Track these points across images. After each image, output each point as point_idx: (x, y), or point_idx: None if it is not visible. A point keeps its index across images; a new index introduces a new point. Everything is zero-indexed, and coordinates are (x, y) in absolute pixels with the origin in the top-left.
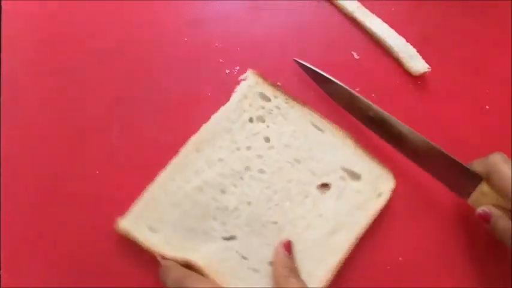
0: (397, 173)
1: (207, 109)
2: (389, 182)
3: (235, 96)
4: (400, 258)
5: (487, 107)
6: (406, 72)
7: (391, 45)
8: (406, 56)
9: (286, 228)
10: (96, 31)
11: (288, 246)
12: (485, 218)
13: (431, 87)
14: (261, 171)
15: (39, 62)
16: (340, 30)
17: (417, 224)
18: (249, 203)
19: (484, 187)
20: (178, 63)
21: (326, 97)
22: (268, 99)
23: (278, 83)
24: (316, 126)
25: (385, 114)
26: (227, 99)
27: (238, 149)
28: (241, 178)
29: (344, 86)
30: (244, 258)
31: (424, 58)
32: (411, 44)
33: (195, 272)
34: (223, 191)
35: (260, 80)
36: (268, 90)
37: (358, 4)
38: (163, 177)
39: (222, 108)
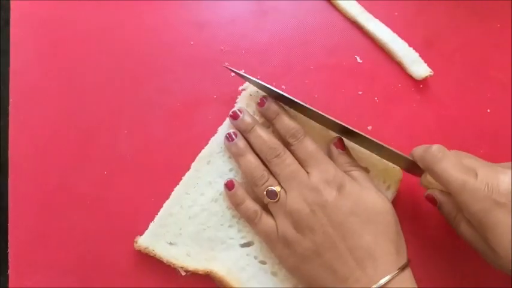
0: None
1: (213, 112)
2: (397, 174)
3: (237, 107)
4: None
5: (489, 110)
6: (409, 76)
7: (394, 50)
8: (408, 60)
9: None
10: (104, 34)
11: (339, 144)
12: (432, 201)
13: (434, 91)
14: None
15: (48, 64)
16: (344, 34)
17: (419, 223)
18: None
19: (428, 176)
20: (184, 67)
21: None
22: None
23: (282, 86)
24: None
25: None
26: (232, 102)
27: None
28: (252, 188)
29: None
30: (262, 263)
31: (426, 62)
32: (414, 48)
33: (217, 281)
34: None
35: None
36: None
37: (362, 8)
38: (178, 192)
39: (227, 119)
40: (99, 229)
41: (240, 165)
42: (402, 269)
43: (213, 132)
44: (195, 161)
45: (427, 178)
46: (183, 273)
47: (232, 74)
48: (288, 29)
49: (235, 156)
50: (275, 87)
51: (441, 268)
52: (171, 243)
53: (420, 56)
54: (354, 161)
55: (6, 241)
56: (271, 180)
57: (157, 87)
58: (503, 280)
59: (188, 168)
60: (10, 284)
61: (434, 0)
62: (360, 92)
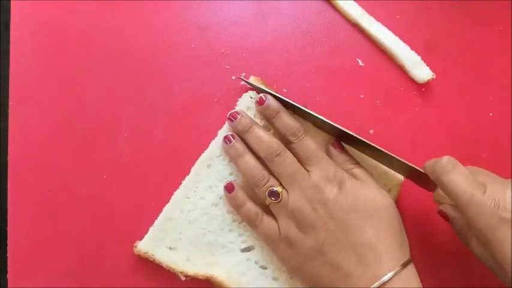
0: None
1: (214, 115)
2: (398, 177)
3: (238, 109)
4: None
5: (491, 114)
6: (411, 80)
7: (396, 53)
8: (410, 64)
9: None
10: (104, 36)
11: (337, 145)
12: (444, 217)
13: (436, 94)
14: None
15: (48, 66)
16: (345, 37)
17: (422, 222)
18: None
19: (440, 190)
20: (184, 69)
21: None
22: None
23: (284, 90)
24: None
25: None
26: (233, 105)
27: None
28: (253, 189)
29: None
30: (263, 268)
31: (428, 65)
32: (416, 52)
33: (217, 286)
34: None
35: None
36: None
37: (363, 11)
38: (178, 196)
39: (227, 123)
40: (98, 232)
41: (239, 167)
42: (405, 265)
43: (214, 135)
44: (195, 164)
45: (439, 193)
46: (183, 278)
47: (242, 83)
48: (289, 31)
49: (233, 158)
50: (276, 90)
51: (444, 269)
52: (170, 248)
53: (422, 59)
54: (354, 159)
55: (6, 244)
56: (272, 180)
57: (158, 90)
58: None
59: (188, 172)
60: (9, 286)
61: (437, 3)
62: (362, 96)
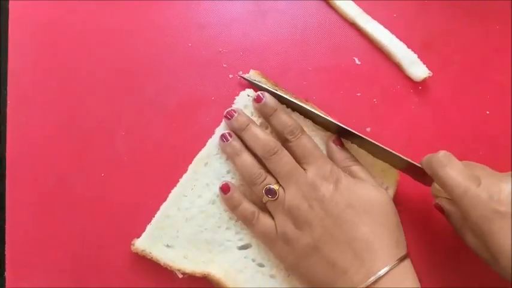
0: None
1: (211, 113)
2: (394, 175)
3: (235, 107)
4: None
5: (488, 112)
6: (408, 78)
7: (393, 51)
8: (407, 62)
9: None
10: (101, 36)
11: (337, 141)
12: (440, 210)
13: (432, 92)
14: None
15: (46, 66)
16: (342, 36)
17: (419, 218)
18: None
19: (436, 184)
20: (182, 68)
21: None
22: None
23: (283, 89)
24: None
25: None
26: (230, 103)
27: None
28: (250, 187)
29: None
30: (260, 265)
31: (425, 64)
32: (412, 50)
33: (214, 284)
34: None
35: (263, 81)
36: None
37: (360, 10)
38: (175, 194)
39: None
40: (96, 231)
41: (236, 165)
42: (401, 260)
43: (211, 134)
44: (193, 163)
45: (436, 186)
46: (180, 276)
47: (243, 76)
48: (286, 30)
49: (230, 156)
50: (273, 83)
51: (441, 265)
52: (168, 246)
53: (419, 57)
54: (353, 157)
55: (4, 243)
56: (269, 178)
57: (155, 89)
58: (506, 280)
59: (185, 170)
60: (7, 285)
61: (433, 1)
62: (359, 94)
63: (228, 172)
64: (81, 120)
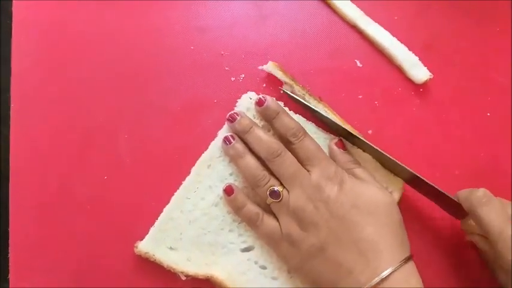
0: None
1: (213, 116)
2: (399, 181)
3: (237, 110)
4: None
5: (489, 114)
6: (409, 80)
7: (394, 53)
8: (408, 64)
9: None
10: (104, 38)
11: (340, 144)
12: (473, 246)
13: (434, 94)
14: None
15: (49, 68)
16: (344, 38)
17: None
18: None
19: (470, 220)
20: (184, 71)
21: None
22: None
23: (306, 87)
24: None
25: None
26: (233, 106)
27: None
28: (253, 189)
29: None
30: (263, 268)
31: (426, 66)
32: (413, 52)
33: (217, 286)
34: None
35: (281, 74)
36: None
37: (361, 12)
38: (178, 196)
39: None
40: (99, 233)
41: (240, 167)
42: (405, 261)
43: (213, 136)
44: (196, 165)
45: (468, 222)
46: (184, 278)
47: (282, 91)
48: (287, 33)
49: (233, 158)
50: (291, 77)
51: (445, 267)
52: (171, 248)
53: (420, 59)
54: (356, 160)
55: (7, 245)
56: (273, 180)
57: (158, 92)
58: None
59: (188, 173)
60: (11, 287)
61: (434, 3)
62: (360, 96)
63: (231, 174)
64: (84, 123)
